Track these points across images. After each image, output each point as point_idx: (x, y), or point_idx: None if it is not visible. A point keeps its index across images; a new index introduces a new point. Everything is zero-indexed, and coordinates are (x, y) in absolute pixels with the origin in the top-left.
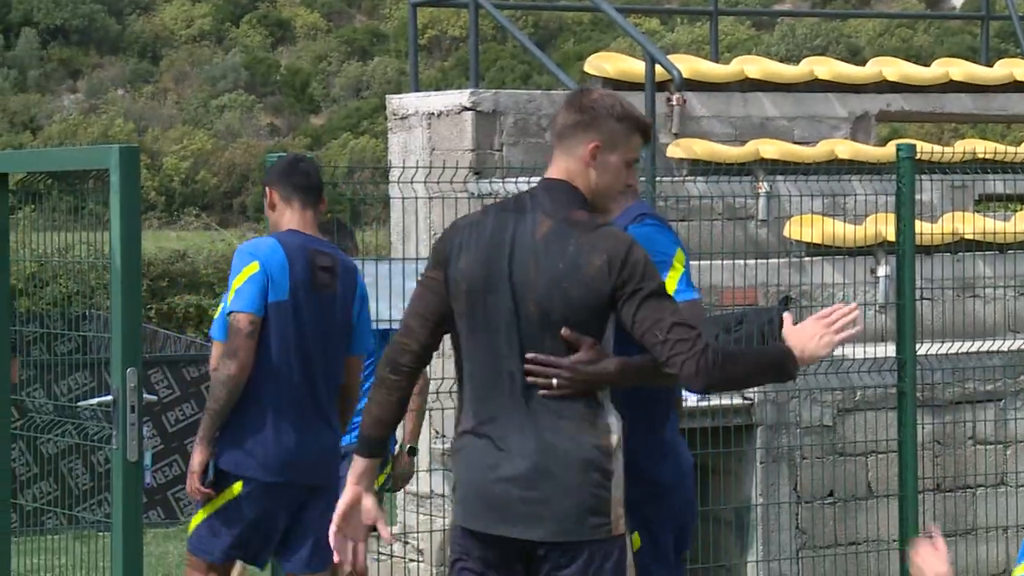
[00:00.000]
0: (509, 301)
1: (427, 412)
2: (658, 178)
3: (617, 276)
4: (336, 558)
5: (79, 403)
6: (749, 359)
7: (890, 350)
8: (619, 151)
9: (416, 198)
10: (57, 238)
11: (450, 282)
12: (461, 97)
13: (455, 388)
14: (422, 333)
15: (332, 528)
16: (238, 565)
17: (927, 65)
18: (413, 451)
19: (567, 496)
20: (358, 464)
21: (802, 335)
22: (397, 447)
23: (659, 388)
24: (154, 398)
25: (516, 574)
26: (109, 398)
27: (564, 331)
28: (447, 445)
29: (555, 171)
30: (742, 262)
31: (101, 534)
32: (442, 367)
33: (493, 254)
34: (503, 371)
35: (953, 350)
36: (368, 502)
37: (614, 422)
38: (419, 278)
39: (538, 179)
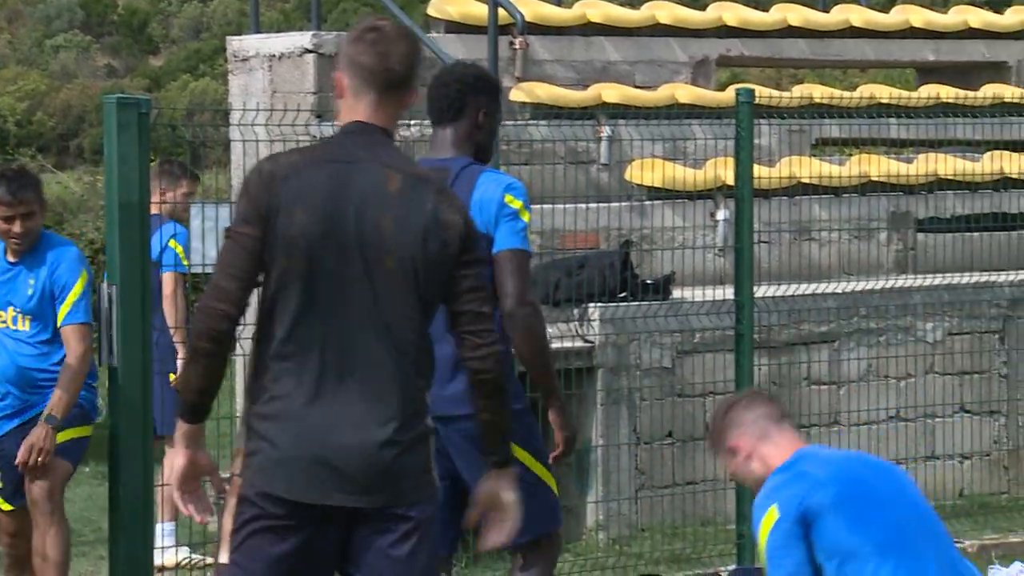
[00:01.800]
0: (358, 258)
1: None
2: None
3: (467, 238)
4: (199, 519)
5: None
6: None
7: (728, 293)
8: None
9: (257, 141)
10: None
11: (278, 240)
12: (303, 39)
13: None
14: (239, 296)
15: (175, 493)
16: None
17: (766, 10)
18: (52, 419)
19: (407, 460)
20: (184, 429)
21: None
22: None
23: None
24: None
25: (327, 537)
26: None
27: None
28: None
29: (373, 117)
30: (584, 206)
31: None
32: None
33: (335, 210)
34: (341, 332)
35: (789, 292)
36: (201, 459)
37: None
38: (227, 233)
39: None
